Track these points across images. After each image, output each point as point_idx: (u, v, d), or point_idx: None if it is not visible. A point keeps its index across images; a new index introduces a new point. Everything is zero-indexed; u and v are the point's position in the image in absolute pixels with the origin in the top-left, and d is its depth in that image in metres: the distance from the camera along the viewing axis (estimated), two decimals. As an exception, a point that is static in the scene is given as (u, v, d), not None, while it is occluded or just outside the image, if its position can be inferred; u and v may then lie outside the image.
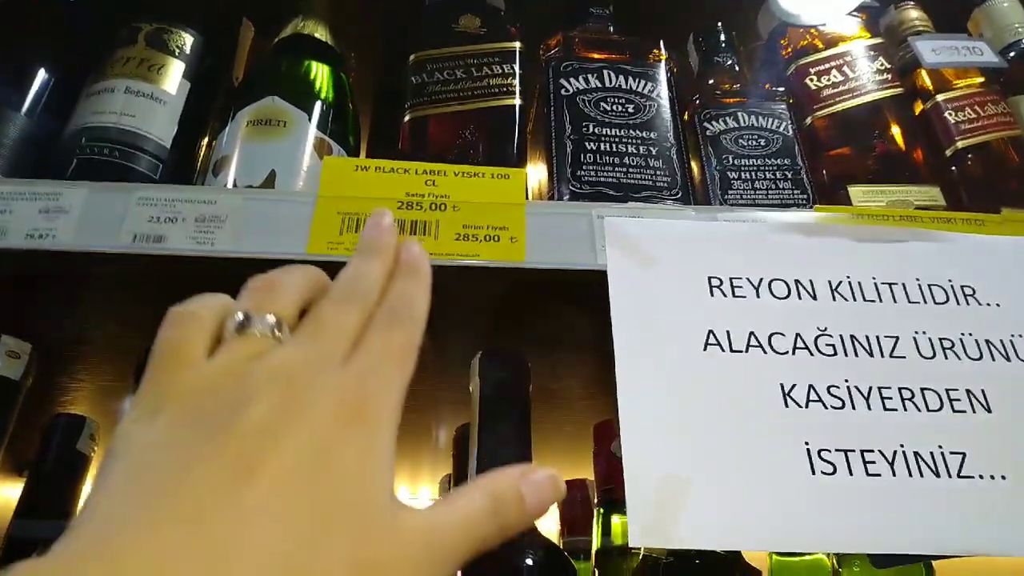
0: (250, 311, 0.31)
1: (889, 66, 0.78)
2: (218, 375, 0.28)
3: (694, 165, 0.73)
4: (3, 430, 0.60)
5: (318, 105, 0.76)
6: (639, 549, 0.59)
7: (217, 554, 0.22)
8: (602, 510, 0.70)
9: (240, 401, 0.26)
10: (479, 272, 0.60)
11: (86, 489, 0.75)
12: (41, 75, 0.76)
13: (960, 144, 0.75)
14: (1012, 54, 0.84)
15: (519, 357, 0.64)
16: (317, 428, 0.26)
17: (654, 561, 0.55)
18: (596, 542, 0.69)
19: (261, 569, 0.22)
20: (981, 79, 0.80)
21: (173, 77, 0.76)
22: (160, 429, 0.26)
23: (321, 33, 0.86)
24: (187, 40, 0.79)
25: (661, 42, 0.78)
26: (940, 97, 0.78)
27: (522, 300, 0.67)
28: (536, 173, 0.77)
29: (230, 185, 0.67)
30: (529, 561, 0.52)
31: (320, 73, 0.81)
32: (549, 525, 0.90)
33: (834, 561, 0.61)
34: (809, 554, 0.68)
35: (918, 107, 0.80)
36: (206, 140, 0.81)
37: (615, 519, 0.69)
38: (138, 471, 0.25)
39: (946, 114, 0.77)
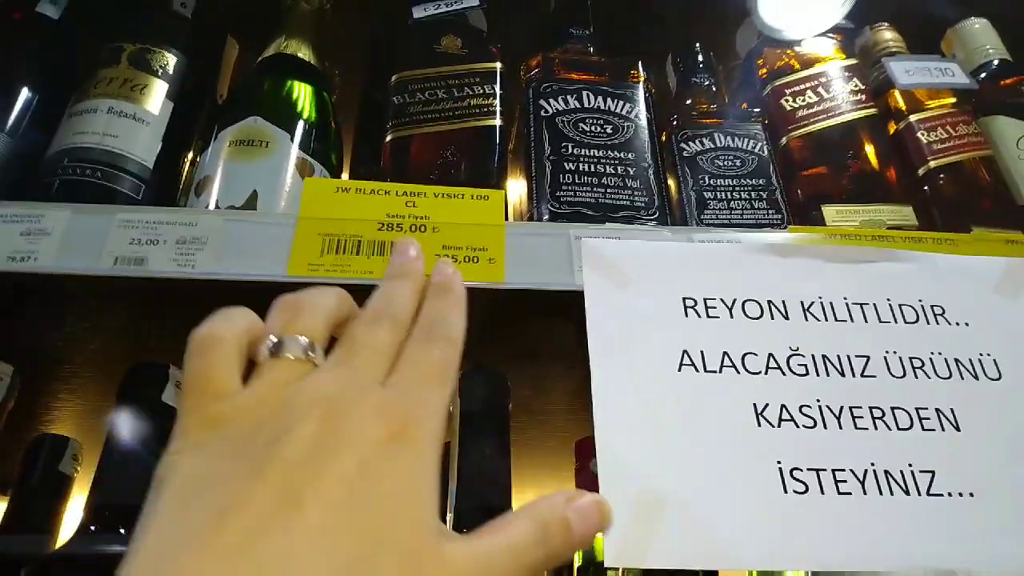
0: (282, 334, 0.30)
1: (863, 87, 0.80)
2: (257, 403, 0.28)
3: (671, 185, 0.74)
4: (-17, 452, 0.60)
5: (300, 125, 0.76)
6: (618, 569, 0.60)
7: None
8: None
9: (282, 430, 0.26)
10: (459, 292, 0.61)
11: (70, 509, 0.75)
12: (24, 94, 0.77)
13: (932, 164, 0.77)
14: (983, 75, 0.85)
15: (498, 376, 0.65)
16: (361, 454, 0.26)
17: (631, 579, 0.55)
18: (577, 559, 0.69)
19: None
20: (953, 100, 0.82)
21: (156, 97, 0.77)
22: (205, 461, 0.26)
23: (304, 52, 0.87)
24: (170, 60, 0.80)
25: (640, 63, 0.79)
26: (913, 117, 0.80)
27: (503, 318, 0.68)
28: (516, 191, 0.78)
29: (212, 206, 0.68)
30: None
31: (302, 93, 0.81)
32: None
33: (810, 577, 0.61)
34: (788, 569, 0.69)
35: (891, 127, 0.82)
36: (190, 156, 0.81)
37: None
38: (187, 502, 0.25)
39: (919, 134, 0.78)
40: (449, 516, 0.58)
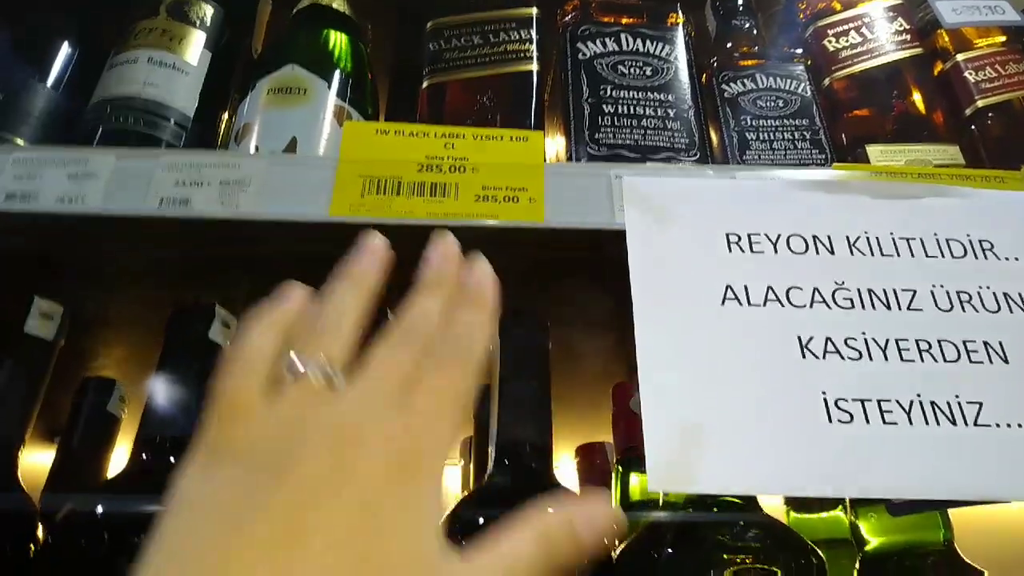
0: (304, 355, 0.31)
1: (908, 27, 0.78)
2: (272, 428, 0.28)
3: (712, 127, 0.74)
4: (38, 389, 0.62)
5: (337, 73, 0.77)
6: (657, 506, 0.60)
7: None
8: (620, 469, 0.71)
9: (291, 458, 0.26)
10: (499, 233, 0.61)
11: (117, 451, 0.77)
12: (65, 48, 0.78)
13: (980, 103, 0.75)
14: (1034, 13, 0.83)
15: (538, 318, 0.65)
16: (366, 486, 0.26)
17: (671, 514, 0.56)
18: (615, 499, 0.70)
19: None
20: (1003, 38, 0.79)
21: (195, 48, 0.77)
22: (217, 483, 0.27)
23: (338, 3, 0.87)
24: (208, 11, 0.80)
25: (679, 5, 0.78)
26: (960, 57, 0.78)
27: (544, 263, 0.68)
28: (553, 143, 0.77)
29: (252, 152, 0.69)
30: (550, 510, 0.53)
31: (338, 42, 0.81)
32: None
33: (851, 515, 0.61)
34: (826, 510, 0.69)
35: (938, 67, 0.80)
36: (226, 114, 0.82)
37: (634, 477, 0.70)
38: (194, 523, 0.25)
39: (966, 73, 0.76)
40: (490, 451, 0.59)
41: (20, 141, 0.70)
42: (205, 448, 0.29)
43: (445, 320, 0.33)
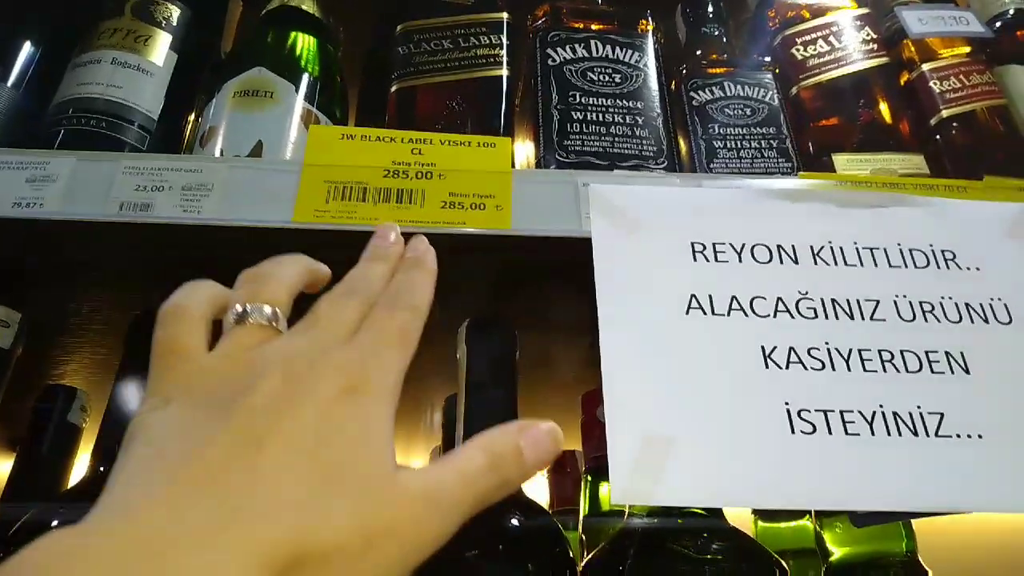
0: (247, 302, 0.32)
1: (875, 36, 0.78)
2: (222, 363, 0.30)
3: (680, 135, 0.74)
4: (-8, 398, 0.60)
5: (305, 77, 0.76)
6: (624, 515, 0.60)
7: (231, 504, 0.23)
8: (590, 477, 0.71)
9: (246, 385, 0.27)
10: (466, 240, 0.60)
11: (79, 460, 0.76)
12: (27, 47, 0.76)
13: (945, 113, 0.76)
14: (999, 24, 0.84)
15: (507, 325, 0.65)
16: (320, 403, 0.27)
17: (637, 524, 0.56)
18: (584, 509, 0.70)
19: (272, 515, 0.23)
20: (968, 49, 0.80)
21: (160, 49, 0.76)
22: (173, 415, 0.27)
23: (308, 5, 0.86)
24: (174, 12, 0.79)
25: (649, 12, 0.78)
26: (926, 67, 0.79)
27: (511, 270, 0.68)
28: (523, 148, 0.77)
29: (217, 156, 0.68)
30: (515, 522, 0.53)
31: (307, 45, 0.80)
32: (542, 500, 0.91)
33: (816, 525, 0.62)
34: (793, 519, 0.69)
35: (904, 77, 0.80)
36: (193, 115, 0.81)
37: (603, 487, 0.69)
38: (155, 449, 0.26)
39: (931, 83, 0.77)
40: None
41: (-24, 144, 0.68)
42: (155, 389, 0.29)
43: (388, 282, 0.35)
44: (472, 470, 0.28)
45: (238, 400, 0.27)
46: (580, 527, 0.70)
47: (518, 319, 0.69)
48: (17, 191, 0.59)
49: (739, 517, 0.62)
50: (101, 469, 0.55)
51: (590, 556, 0.55)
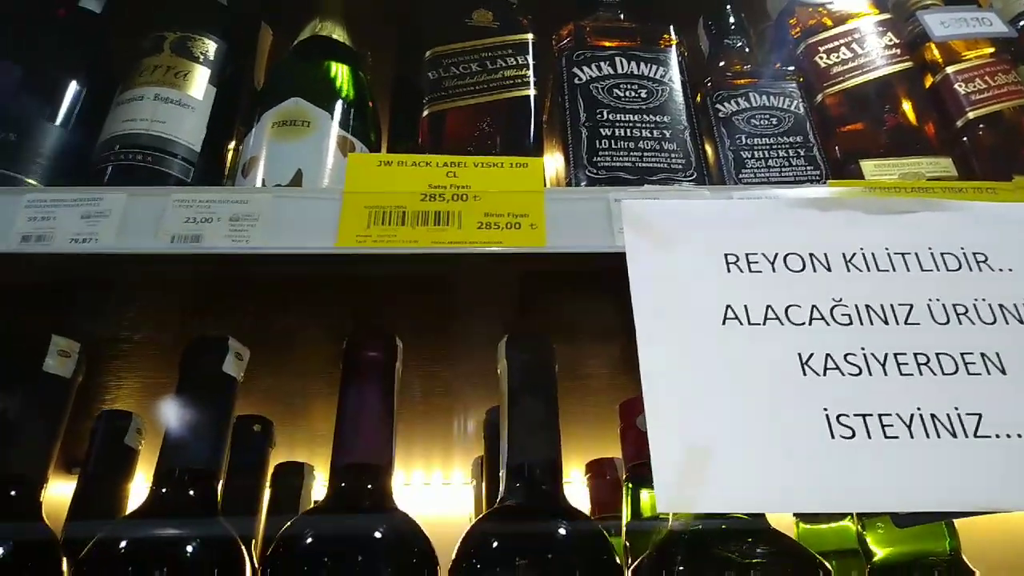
0: None
1: (898, 41, 0.79)
2: None
3: (708, 146, 0.75)
4: (58, 426, 0.63)
5: (339, 104, 0.78)
6: (667, 521, 0.61)
7: None
8: (631, 485, 0.72)
9: None
10: (502, 259, 0.62)
11: (135, 482, 0.78)
12: (72, 87, 0.79)
13: (971, 115, 0.76)
14: (1022, 23, 0.84)
15: (544, 339, 0.67)
16: None
17: (682, 530, 0.57)
18: (626, 516, 0.71)
19: None
20: (991, 49, 0.81)
21: (199, 83, 0.79)
22: None
23: (339, 34, 0.89)
24: (210, 47, 0.82)
25: (671, 27, 0.80)
26: (950, 69, 0.79)
27: (546, 285, 0.69)
28: (553, 161, 0.79)
29: (259, 185, 0.70)
30: (562, 530, 0.54)
31: (340, 73, 0.83)
32: (581, 506, 0.92)
33: (858, 526, 0.62)
34: (835, 521, 0.70)
35: (928, 80, 0.81)
36: (232, 144, 0.84)
37: (644, 493, 0.71)
38: None
39: (956, 86, 0.78)
40: (502, 473, 0.60)
41: (32, 181, 0.71)
42: None
43: None
44: None
45: None
46: (623, 534, 0.71)
47: (556, 332, 0.71)
48: (74, 227, 0.62)
49: (781, 521, 0.63)
50: (163, 491, 0.57)
51: (636, 562, 0.57)
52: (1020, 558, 0.67)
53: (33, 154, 0.73)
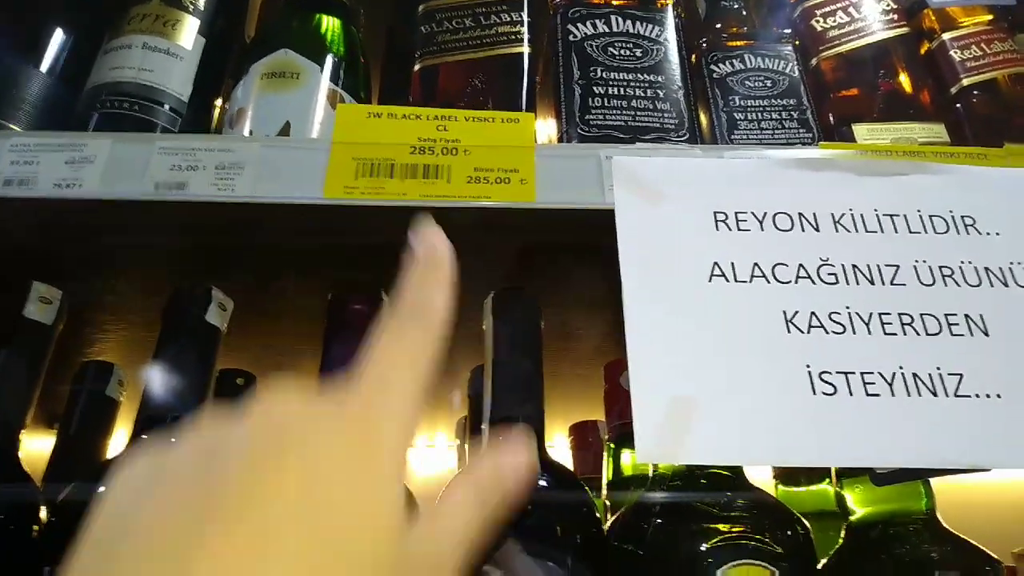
0: None
1: (895, 6, 0.79)
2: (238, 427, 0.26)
3: (701, 108, 0.74)
4: (38, 372, 0.62)
5: (330, 58, 0.77)
6: (647, 480, 0.62)
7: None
8: (613, 445, 0.72)
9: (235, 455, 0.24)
10: (491, 214, 0.62)
11: (116, 434, 0.78)
12: (59, 34, 0.78)
13: (965, 81, 0.76)
14: (1020, -8, 0.84)
15: (530, 296, 0.66)
16: (316, 469, 0.23)
17: (661, 484, 0.57)
18: (608, 475, 0.71)
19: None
20: (989, 17, 0.80)
21: (188, 32, 0.77)
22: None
23: (331, -13, 0.87)
24: (201, -4, 0.80)
25: (668, -14, 0.79)
26: (946, 36, 0.79)
27: (536, 243, 0.69)
28: (546, 121, 0.78)
29: (247, 135, 0.69)
30: (543, 482, 0.55)
31: (331, 26, 0.82)
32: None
33: (838, 487, 0.63)
34: (813, 484, 0.71)
35: (924, 47, 0.81)
36: (220, 100, 0.83)
37: (625, 454, 0.71)
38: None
39: (952, 52, 0.77)
40: (484, 427, 0.60)
41: (15, 127, 0.70)
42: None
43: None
44: (466, 517, 0.27)
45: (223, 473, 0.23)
46: (604, 493, 0.72)
47: (541, 292, 0.71)
48: (57, 172, 0.61)
49: (760, 484, 0.63)
50: (143, 436, 0.57)
51: (616, 516, 0.57)
52: (994, 524, 0.68)
53: (17, 100, 0.72)
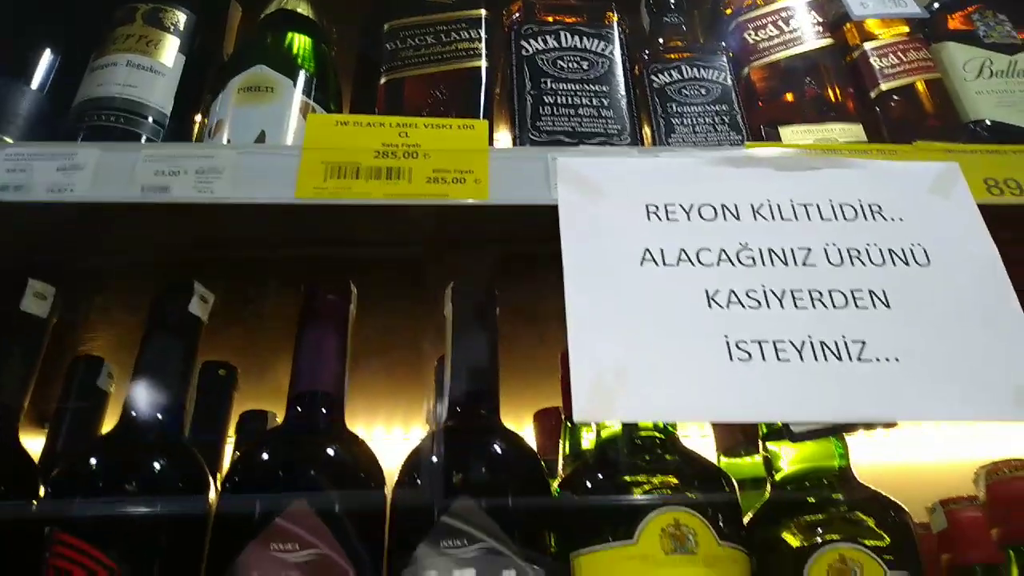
0: None
1: (822, 20, 0.86)
2: None
3: (643, 114, 0.81)
4: (33, 363, 0.68)
5: (302, 73, 0.84)
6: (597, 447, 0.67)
7: None
8: (569, 425, 0.78)
9: None
10: (449, 210, 0.68)
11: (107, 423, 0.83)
12: (48, 54, 0.84)
13: (884, 87, 0.83)
14: (936, 5, 0.91)
15: (487, 284, 0.72)
16: None
17: (604, 448, 0.63)
18: (563, 450, 0.77)
19: None
20: (907, 29, 0.88)
21: (169, 51, 0.84)
22: None
23: (303, 8, 0.94)
24: (181, 18, 0.87)
25: (614, 4, 0.86)
26: (867, 45, 0.86)
27: (491, 238, 0.75)
28: (503, 131, 0.85)
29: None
30: (496, 447, 0.61)
31: (303, 44, 0.88)
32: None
33: (764, 453, 0.69)
34: (750, 455, 0.77)
35: (848, 56, 0.88)
36: (200, 116, 0.89)
37: (580, 431, 0.77)
38: None
39: (872, 60, 0.85)
40: (445, 403, 0.66)
41: (8, 140, 0.76)
42: None
43: None
44: None
45: None
46: (560, 465, 0.77)
47: (508, 285, 0.77)
48: (50, 179, 0.67)
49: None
50: (133, 414, 0.63)
51: (562, 477, 0.63)
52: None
53: (10, 115, 0.78)
